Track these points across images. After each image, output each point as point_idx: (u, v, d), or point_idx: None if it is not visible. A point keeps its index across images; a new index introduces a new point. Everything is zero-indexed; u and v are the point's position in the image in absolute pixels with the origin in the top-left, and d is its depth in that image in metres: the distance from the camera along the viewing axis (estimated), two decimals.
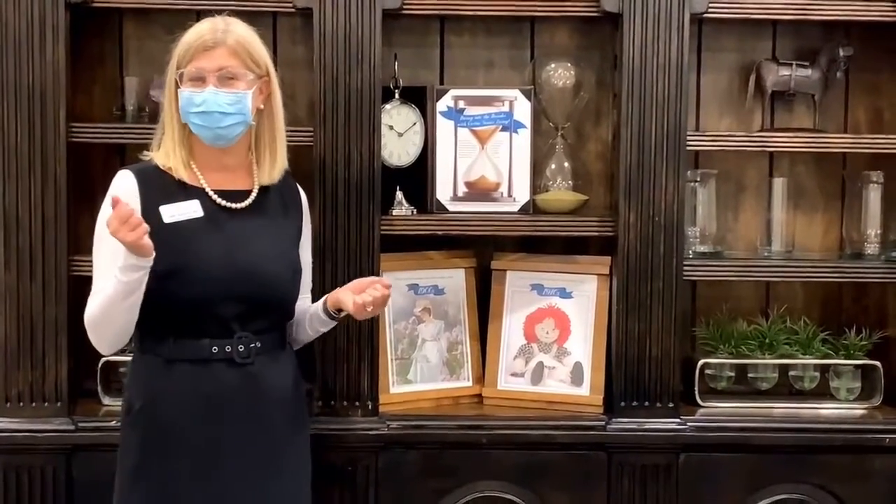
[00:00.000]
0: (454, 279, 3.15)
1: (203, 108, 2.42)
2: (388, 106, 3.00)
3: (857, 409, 3.10)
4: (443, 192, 3.04)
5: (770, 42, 3.23)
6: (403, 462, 2.93)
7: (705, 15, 2.96)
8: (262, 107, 2.51)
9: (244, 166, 2.55)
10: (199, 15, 3.06)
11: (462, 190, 3.05)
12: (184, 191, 2.47)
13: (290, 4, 2.91)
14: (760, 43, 3.22)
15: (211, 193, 2.49)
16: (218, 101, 2.42)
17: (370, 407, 2.93)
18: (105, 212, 2.43)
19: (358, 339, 2.91)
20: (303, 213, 2.65)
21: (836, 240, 3.28)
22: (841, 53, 3.11)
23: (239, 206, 2.51)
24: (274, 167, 2.54)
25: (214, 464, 2.45)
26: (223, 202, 2.49)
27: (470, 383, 3.13)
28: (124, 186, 2.46)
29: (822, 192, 3.28)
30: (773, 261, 3.10)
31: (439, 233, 3.03)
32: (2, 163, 2.84)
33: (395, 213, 3.00)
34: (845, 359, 3.11)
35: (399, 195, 3.02)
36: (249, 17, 3.07)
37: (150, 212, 2.42)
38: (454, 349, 3.13)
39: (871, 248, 3.12)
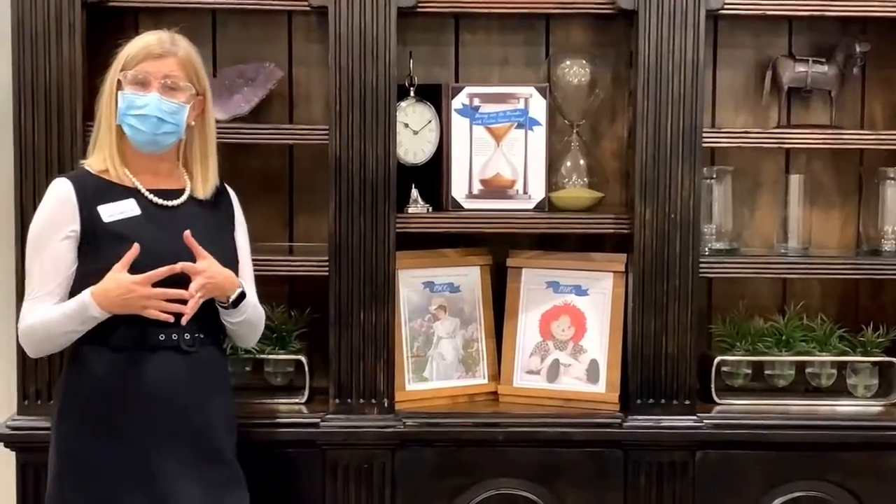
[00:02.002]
0: (469, 277, 3.15)
1: (145, 111, 2.49)
2: (403, 104, 3.00)
3: (875, 406, 3.09)
4: (458, 190, 3.04)
5: (786, 38, 3.22)
6: (419, 460, 2.93)
7: (721, 11, 2.95)
8: (192, 123, 2.58)
9: (174, 170, 2.62)
10: (215, 14, 3.09)
11: (477, 187, 3.05)
12: (118, 192, 2.54)
13: (306, 3, 2.91)
14: (776, 39, 3.21)
15: (146, 192, 2.56)
16: (161, 107, 2.50)
17: (386, 405, 2.93)
18: (42, 218, 2.52)
19: (374, 337, 2.92)
20: (232, 203, 2.72)
21: (852, 236, 3.27)
22: (857, 49, 3.10)
23: (173, 203, 2.58)
24: (206, 184, 2.62)
25: (156, 450, 2.48)
26: (158, 200, 2.56)
27: (486, 381, 3.13)
28: (62, 193, 2.52)
29: (838, 188, 3.27)
30: (789, 258, 3.09)
31: (454, 230, 3.03)
32: (19, 162, 2.85)
33: (410, 210, 3.00)
34: (862, 356, 3.10)
35: (414, 193, 3.02)
36: (265, 16, 3.10)
37: (89, 214, 2.50)
38: (470, 347, 3.13)
39: (889, 245, 3.11)
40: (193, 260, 2.48)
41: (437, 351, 3.10)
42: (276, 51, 3.16)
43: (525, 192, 3.05)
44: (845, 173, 3.26)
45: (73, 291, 2.49)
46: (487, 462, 2.94)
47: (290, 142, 3.08)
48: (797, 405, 3.07)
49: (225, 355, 2.70)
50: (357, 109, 2.89)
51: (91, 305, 2.44)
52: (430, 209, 3.03)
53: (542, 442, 2.95)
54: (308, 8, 2.92)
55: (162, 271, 2.44)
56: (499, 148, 3.05)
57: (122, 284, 2.43)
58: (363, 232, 2.90)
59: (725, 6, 2.94)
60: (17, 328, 2.85)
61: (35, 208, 2.81)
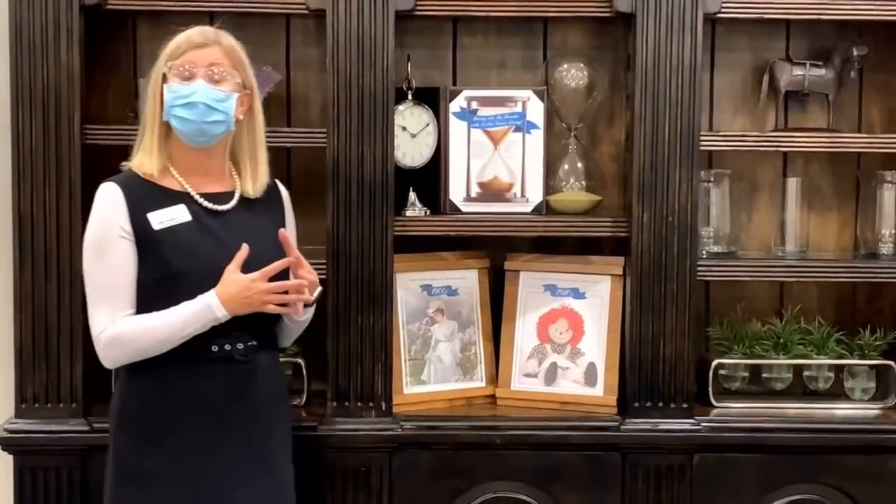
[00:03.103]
0: (467, 280, 3.15)
1: (192, 98, 2.44)
2: (401, 107, 3.01)
3: (872, 410, 3.09)
4: (456, 193, 3.04)
5: (783, 42, 3.22)
6: (417, 463, 2.93)
7: (718, 15, 2.95)
8: (240, 118, 2.54)
9: (224, 169, 2.58)
10: (213, 17, 3.09)
11: (475, 191, 3.05)
12: (168, 196, 2.51)
13: (304, 6, 2.91)
14: (774, 42, 3.22)
15: (196, 196, 2.52)
16: (207, 94, 2.45)
17: (384, 408, 2.93)
18: (96, 225, 2.47)
19: (371, 340, 2.92)
20: (284, 206, 2.68)
21: (850, 240, 3.27)
22: (855, 53, 3.10)
23: (224, 207, 2.54)
24: (256, 182, 2.58)
25: (213, 462, 2.47)
26: (208, 204, 2.52)
27: (483, 384, 3.13)
28: (110, 198, 2.48)
29: (836, 191, 3.27)
30: (787, 261, 3.09)
31: (452, 233, 3.03)
32: (17, 165, 2.85)
33: (408, 213, 3.01)
34: (860, 359, 3.10)
35: (412, 196, 3.02)
36: (263, 19, 3.10)
37: (138, 220, 2.46)
38: (467, 350, 3.13)
39: (886, 248, 3.11)
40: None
41: (434, 354, 3.10)
42: (274, 54, 3.16)
43: (523, 196, 3.05)
44: (843, 177, 3.26)
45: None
46: (485, 465, 2.94)
47: (288, 145, 3.08)
48: (794, 408, 3.07)
49: (278, 361, 2.66)
50: (355, 113, 2.89)
51: (217, 308, 2.42)
52: (428, 212, 3.03)
53: (540, 445, 2.95)
54: (306, 11, 2.92)
55: (278, 265, 2.44)
56: (496, 151, 3.05)
57: (242, 284, 2.42)
58: (361, 235, 2.90)
59: (723, 9, 2.94)
60: (13, 332, 2.86)
61: (32, 213, 2.84)
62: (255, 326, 2.51)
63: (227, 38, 2.54)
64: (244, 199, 2.57)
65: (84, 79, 2.88)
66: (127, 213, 2.46)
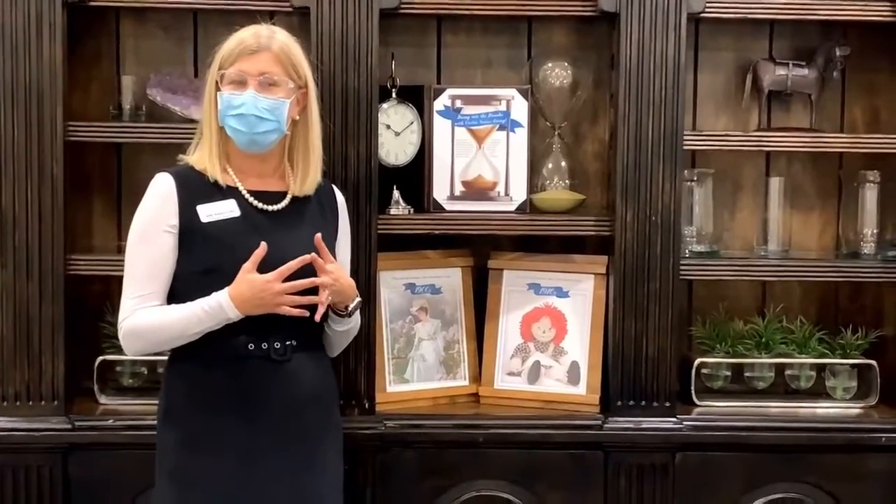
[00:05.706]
0: (451, 278, 3.15)
1: (241, 110, 2.44)
2: (385, 105, 3.00)
3: (854, 409, 3.10)
4: (440, 192, 3.04)
5: (767, 41, 3.23)
6: (400, 461, 2.93)
7: (702, 14, 2.96)
8: (297, 118, 2.53)
9: (279, 171, 2.57)
10: (196, 14, 3.08)
11: (459, 189, 3.05)
12: (220, 191, 2.50)
13: (288, 4, 2.91)
14: (757, 42, 3.23)
15: (246, 195, 2.51)
16: (257, 105, 2.45)
17: (367, 406, 2.93)
18: (143, 213, 2.47)
19: (355, 338, 2.90)
20: (339, 213, 2.66)
21: (832, 239, 3.28)
22: (838, 53, 3.11)
23: (274, 208, 2.53)
24: (305, 180, 2.55)
25: (252, 461, 2.46)
26: (259, 204, 2.51)
27: (467, 382, 3.13)
28: (163, 188, 2.47)
29: (818, 191, 3.28)
30: (769, 260, 3.11)
31: (436, 232, 3.03)
32: None
33: (392, 212, 3.00)
34: (841, 358, 3.12)
35: (396, 194, 3.02)
36: (246, 17, 3.08)
37: (188, 211, 2.46)
38: (451, 348, 3.13)
39: (868, 248, 3.12)
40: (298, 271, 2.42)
41: (418, 352, 3.10)
42: None
43: (507, 194, 3.05)
44: (825, 176, 3.27)
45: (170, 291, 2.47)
46: (468, 463, 2.94)
47: None
48: (776, 407, 3.09)
49: (326, 362, 2.63)
50: (339, 110, 2.88)
51: (229, 308, 2.40)
52: (412, 211, 3.03)
53: (523, 443, 2.95)
54: (290, 9, 2.92)
55: (293, 264, 2.40)
56: (480, 150, 3.05)
57: (256, 284, 2.39)
58: None
59: (707, 9, 2.95)
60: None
61: (14, 209, 2.82)
62: (291, 327, 2.47)
63: (279, 40, 2.50)
64: (297, 200, 2.55)
65: (66, 75, 2.86)
66: (177, 205, 2.45)
